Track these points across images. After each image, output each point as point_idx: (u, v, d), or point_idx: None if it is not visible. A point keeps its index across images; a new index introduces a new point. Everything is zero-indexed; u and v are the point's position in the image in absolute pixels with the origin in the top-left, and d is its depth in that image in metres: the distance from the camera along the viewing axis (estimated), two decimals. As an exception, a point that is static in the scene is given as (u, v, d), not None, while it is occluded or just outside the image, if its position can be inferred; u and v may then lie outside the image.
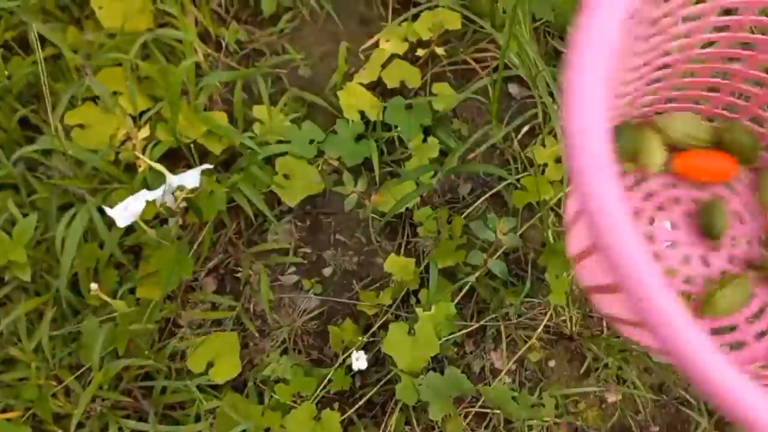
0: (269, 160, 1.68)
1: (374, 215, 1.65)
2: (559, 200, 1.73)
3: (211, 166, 1.44)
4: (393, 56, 1.79)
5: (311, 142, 1.64)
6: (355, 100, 1.70)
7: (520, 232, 1.62)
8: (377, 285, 1.68)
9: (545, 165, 1.69)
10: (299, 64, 1.80)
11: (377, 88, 1.82)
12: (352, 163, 1.64)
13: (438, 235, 1.66)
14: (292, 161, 1.62)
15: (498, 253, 1.55)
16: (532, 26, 1.65)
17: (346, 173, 1.59)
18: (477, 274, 1.56)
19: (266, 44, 1.85)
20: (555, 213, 1.67)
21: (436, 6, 1.86)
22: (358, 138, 1.71)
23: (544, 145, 1.72)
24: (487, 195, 1.72)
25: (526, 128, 1.71)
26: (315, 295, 1.66)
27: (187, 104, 1.58)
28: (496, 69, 1.83)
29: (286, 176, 1.62)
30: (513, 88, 1.87)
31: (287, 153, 1.63)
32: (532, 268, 1.66)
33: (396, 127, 1.70)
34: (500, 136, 1.74)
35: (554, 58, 1.90)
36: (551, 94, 1.59)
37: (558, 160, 1.72)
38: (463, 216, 1.68)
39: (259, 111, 1.67)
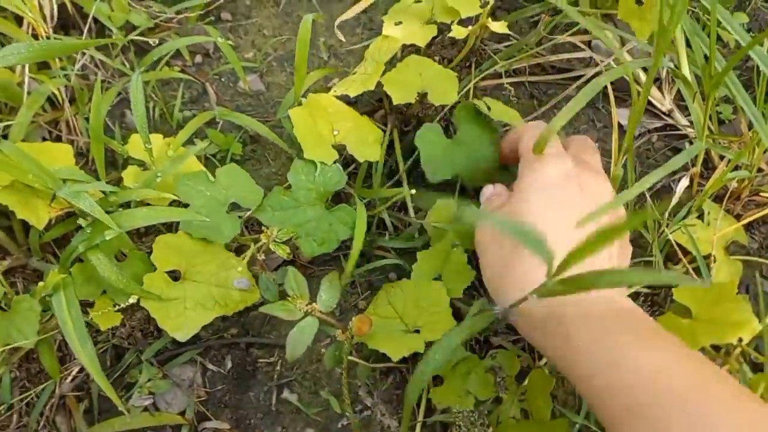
0: (141, 235, 0.84)
1: (357, 359, 0.78)
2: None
3: None
4: (406, 50, 0.97)
5: (233, 208, 0.80)
6: (325, 125, 0.86)
7: None
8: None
9: (706, 258, 0.82)
10: (240, 66, 0.98)
11: (372, 105, 1.00)
12: (333, 244, 0.78)
13: (500, 405, 0.79)
14: (189, 243, 0.77)
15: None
16: None
17: (293, 276, 0.73)
18: None
19: (179, 33, 1.04)
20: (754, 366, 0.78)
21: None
22: (334, 198, 0.87)
23: (703, 219, 0.85)
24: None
25: (682, 186, 0.84)
26: None
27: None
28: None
29: (174, 275, 0.77)
30: (625, 114, 1.03)
31: (177, 227, 0.78)
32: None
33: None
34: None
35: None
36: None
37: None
38: (545, 363, 0.80)
39: (133, 143, 0.84)
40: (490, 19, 0.84)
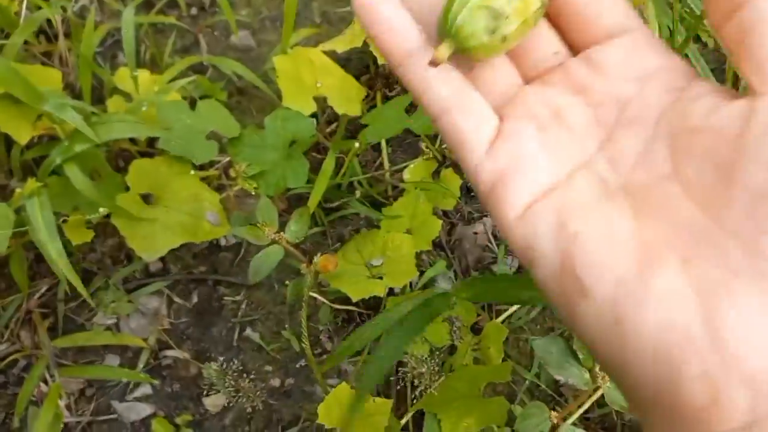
0: (120, 164, 0.86)
1: (320, 296, 0.80)
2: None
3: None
4: (395, 15, 1.00)
5: (210, 137, 0.82)
6: (309, 75, 0.89)
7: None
8: (312, 444, 0.82)
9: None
10: (233, 18, 1.01)
11: (360, 67, 1.03)
12: (281, 187, 0.80)
13: (450, 356, 0.81)
14: (165, 168, 0.79)
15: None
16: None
17: (265, 205, 0.75)
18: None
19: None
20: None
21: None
22: (313, 149, 0.90)
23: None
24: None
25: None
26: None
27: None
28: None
29: (147, 198, 0.79)
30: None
31: (156, 152, 0.81)
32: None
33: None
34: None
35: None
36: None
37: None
38: (503, 321, 0.83)
39: (121, 75, 0.86)
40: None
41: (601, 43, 0.30)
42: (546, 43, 0.31)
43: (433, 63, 0.29)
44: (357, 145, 0.82)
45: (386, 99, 1.02)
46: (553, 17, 0.31)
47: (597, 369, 0.65)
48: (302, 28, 1.04)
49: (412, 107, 0.92)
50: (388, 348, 0.66)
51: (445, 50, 0.29)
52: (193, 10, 1.09)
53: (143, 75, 0.90)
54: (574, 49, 0.31)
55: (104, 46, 1.03)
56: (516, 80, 0.31)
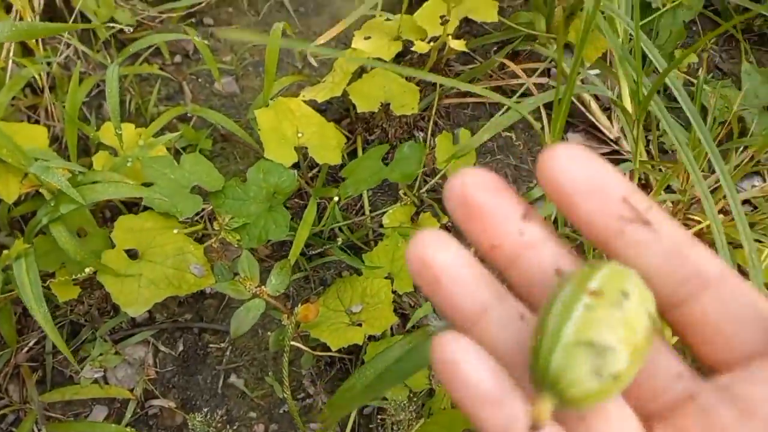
0: (108, 215, 0.89)
1: (301, 345, 0.82)
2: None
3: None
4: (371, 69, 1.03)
5: (194, 190, 0.85)
6: (290, 126, 0.91)
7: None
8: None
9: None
10: (218, 70, 1.04)
11: (341, 111, 1.05)
12: (263, 239, 0.83)
13: (431, 398, 0.83)
14: (150, 224, 0.82)
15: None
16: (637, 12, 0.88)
17: (247, 259, 0.77)
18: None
19: (160, 31, 1.10)
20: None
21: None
22: (295, 197, 0.92)
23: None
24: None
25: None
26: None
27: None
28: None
29: (130, 254, 0.81)
30: (576, 140, 1.09)
31: (140, 208, 0.83)
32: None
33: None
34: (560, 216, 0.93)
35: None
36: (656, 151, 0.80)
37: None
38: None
39: (106, 130, 0.89)
40: (450, 37, 0.90)
41: (738, 367, 0.24)
42: (664, 364, 0.25)
43: (534, 428, 0.23)
44: (336, 198, 0.85)
45: (367, 143, 1.05)
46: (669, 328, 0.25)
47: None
48: (284, 75, 1.07)
49: (389, 156, 0.95)
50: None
51: (544, 409, 0.23)
52: (177, 58, 1.12)
53: (128, 129, 0.92)
54: (699, 364, 0.25)
55: (90, 95, 1.06)
56: (637, 428, 0.24)
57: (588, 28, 0.66)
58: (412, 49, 0.92)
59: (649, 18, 1.00)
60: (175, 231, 0.79)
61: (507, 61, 0.98)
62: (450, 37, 0.90)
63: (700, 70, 0.95)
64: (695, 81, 1.14)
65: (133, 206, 0.91)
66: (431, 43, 0.92)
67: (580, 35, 0.71)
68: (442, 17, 0.90)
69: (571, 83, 0.72)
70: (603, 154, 1.07)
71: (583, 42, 0.68)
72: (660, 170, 0.95)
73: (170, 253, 0.82)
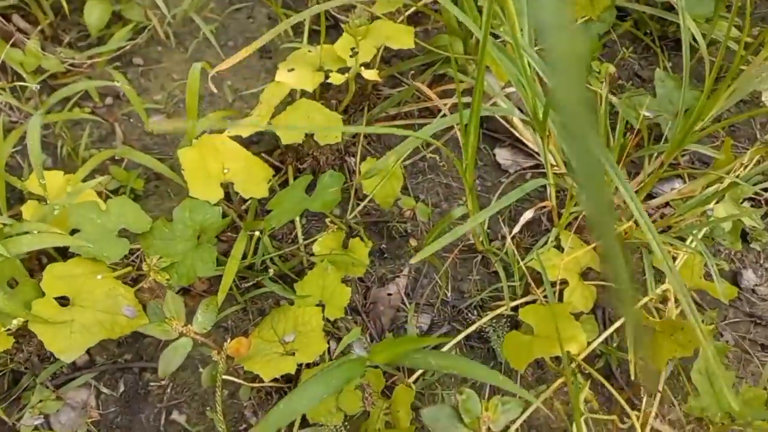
0: (44, 261, 0.90)
1: (236, 378, 0.84)
2: (595, 356, 0.94)
3: None
4: (298, 94, 1.06)
5: (122, 233, 0.87)
6: (215, 163, 0.93)
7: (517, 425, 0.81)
8: None
9: (563, 284, 0.91)
10: (149, 109, 1.06)
11: (272, 142, 1.08)
12: (192, 278, 0.85)
13: (367, 419, 0.86)
14: (79, 270, 0.83)
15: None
16: (533, 38, 0.92)
17: (172, 300, 0.79)
18: None
19: (90, 76, 1.12)
20: (588, 377, 0.87)
21: (375, 17, 1.15)
22: (230, 229, 0.94)
23: (559, 248, 0.94)
24: (457, 339, 0.92)
25: (526, 217, 0.93)
26: None
27: None
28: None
29: (63, 301, 0.83)
30: (503, 155, 1.13)
31: (69, 254, 0.84)
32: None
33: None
34: (481, 233, 0.96)
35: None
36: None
37: (587, 274, 0.94)
38: (413, 385, 0.87)
39: (32, 180, 0.90)
40: (363, 68, 0.93)
41: None
42: None
43: None
44: (258, 233, 0.87)
45: (298, 171, 1.07)
46: None
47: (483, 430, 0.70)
48: (216, 110, 1.09)
49: (312, 186, 0.97)
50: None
51: None
52: (108, 100, 1.13)
53: (56, 176, 0.94)
54: None
55: (23, 143, 1.07)
56: None
57: (482, 56, 0.70)
58: (329, 81, 0.95)
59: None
60: (99, 277, 0.81)
61: (422, 86, 1.02)
62: (363, 68, 0.93)
63: (603, 85, 0.99)
64: (617, 90, 1.18)
65: (65, 251, 0.93)
66: (345, 75, 0.95)
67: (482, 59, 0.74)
68: (352, 49, 0.93)
69: (475, 110, 0.75)
70: (528, 167, 1.10)
71: (480, 69, 0.71)
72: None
73: (101, 297, 0.84)
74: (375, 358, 0.72)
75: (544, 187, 1.08)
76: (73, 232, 0.86)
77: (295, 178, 1.06)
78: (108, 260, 0.84)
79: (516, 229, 0.92)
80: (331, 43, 1.03)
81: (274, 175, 1.03)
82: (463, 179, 0.85)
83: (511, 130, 1.11)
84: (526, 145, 1.12)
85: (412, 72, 1.16)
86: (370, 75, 0.93)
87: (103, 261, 0.84)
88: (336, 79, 0.94)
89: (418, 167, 1.12)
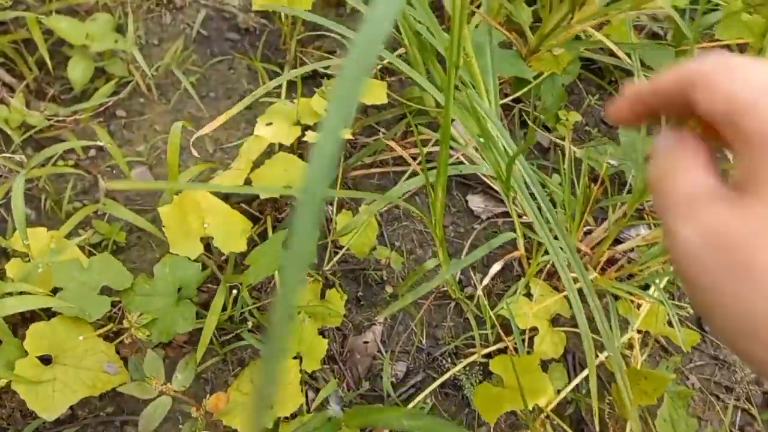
0: (16, 326, 0.92)
1: (215, 433, 0.87)
2: (566, 402, 0.97)
3: None
4: (275, 148, 1.09)
5: (104, 290, 0.89)
6: (196, 218, 0.97)
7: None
8: None
9: (533, 331, 0.95)
10: (132, 161, 1.09)
11: (248, 196, 1.11)
12: (171, 334, 0.87)
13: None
14: (61, 328, 0.86)
15: None
16: (498, 97, 0.96)
17: (151, 359, 0.82)
18: None
19: (74, 130, 1.15)
20: (557, 428, 0.90)
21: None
22: (210, 282, 0.97)
23: (529, 296, 0.98)
24: (431, 387, 0.95)
25: (496, 269, 0.96)
26: None
27: None
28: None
29: (45, 360, 0.85)
30: (475, 201, 1.16)
31: (52, 313, 0.87)
32: None
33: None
34: (453, 283, 1.00)
35: (544, 153, 1.21)
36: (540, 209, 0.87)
37: (557, 320, 0.98)
38: None
39: (16, 238, 0.93)
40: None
41: None
42: None
43: None
44: (234, 293, 0.90)
45: (278, 221, 1.10)
46: None
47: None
48: (197, 162, 1.12)
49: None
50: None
51: None
52: (92, 152, 1.16)
53: (39, 233, 0.96)
54: None
55: (7, 196, 1.09)
56: None
57: (447, 119, 0.74)
58: (304, 139, 0.99)
59: (527, 87, 1.08)
60: (81, 338, 0.83)
61: (392, 143, 1.05)
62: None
63: (566, 139, 1.03)
64: (584, 137, 1.23)
65: (49, 309, 0.95)
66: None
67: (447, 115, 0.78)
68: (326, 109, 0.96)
69: (441, 172, 0.79)
70: (498, 215, 1.14)
71: (445, 131, 0.75)
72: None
73: (82, 354, 0.86)
74: (349, 422, 0.74)
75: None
76: (57, 290, 0.88)
77: (273, 228, 1.09)
78: (90, 319, 0.86)
79: (486, 281, 0.95)
80: (310, 91, 1.07)
81: (252, 226, 1.07)
82: (433, 233, 0.88)
83: (483, 177, 1.15)
84: (497, 191, 1.16)
85: (387, 121, 1.20)
86: (344, 133, 0.96)
87: (85, 319, 0.86)
88: (312, 137, 0.97)
89: (393, 214, 1.15)
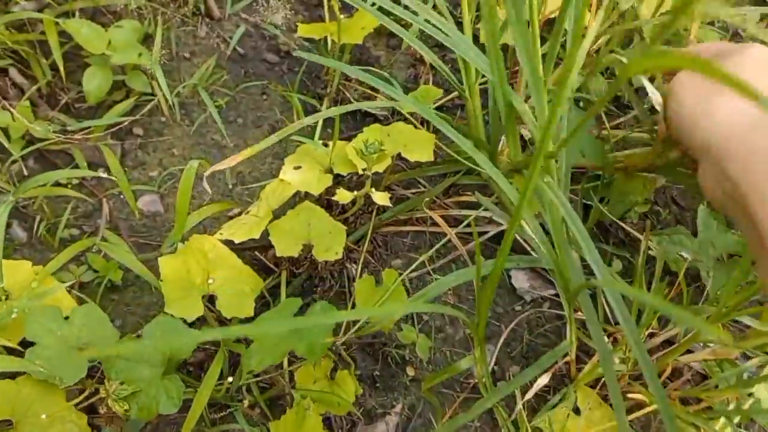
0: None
1: None
2: None
3: None
4: (301, 197, 0.97)
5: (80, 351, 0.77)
6: (200, 272, 0.84)
7: None
8: None
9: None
10: (131, 194, 0.97)
11: (266, 241, 0.98)
12: (153, 412, 0.74)
13: None
14: (28, 389, 0.74)
15: None
16: (568, 177, 0.82)
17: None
18: None
19: (82, 148, 1.03)
20: None
21: (394, 118, 1.06)
22: (200, 353, 0.84)
23: (576, 411, 0.83)
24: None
25: (540, 384, 0.82)
26: None
27: None
28: (490, 247, 1.00)
29: (5, 423, 0.73)
30: (520, 279, 1.02)
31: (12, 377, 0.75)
32: None
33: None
34: (486, 380, 0.85)
35: (604, 233, 1.06)
36: (593, 302, 0.73)
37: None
38: None
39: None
40: (373, 189, 0.83)
41: None
42: None
43: None
44: (230, 380, 0.77)
45: (293, 276, 0.97)
46: None
47: None
48: (215, 199, 1.00)
49: (302, 310, 0.87)
50: None
51: None
52: (100, 170, 1.05)
53: (22, 267, 0.85)
54: None
55: None
56: None
57: (516, 219, 0.60)
58: (334, 198, 0.85)
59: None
60: (43, 416, 0.71)
61: (433, 214, 0.92)
62: (374, 189, 0.83)
63: (644, 231, 0.88)
64: (652, 218, 1.08)
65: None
66: (355, 192, 0.85)
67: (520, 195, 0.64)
68: (363, 170, 0.83)
69: (499, 264, 0.65)
70: (546, 297, 1.00)
71: (518, 212, 0.61)
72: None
73: (48, 423, 0.74)
74: None
75: (563, 321, 0.97)
76: (30, 343, 0.76)
77: (288, 283, 0.96)
78: (62, 384, 0.74)
79: (529, 395, 0.81)
80: (348, 127, 0.93)
81: (265, 279, 0.94)
82: (473, 333, 0.74)
83: (531, 253, 1.01)
84: (546, 270, 1.01)
85: (431, 176, 1.06)
86: (381, 199, 0.83)
87: (56, 385, 0.74)
88: (343, 197, 0.84)
89: (425, 281, 1.02)
